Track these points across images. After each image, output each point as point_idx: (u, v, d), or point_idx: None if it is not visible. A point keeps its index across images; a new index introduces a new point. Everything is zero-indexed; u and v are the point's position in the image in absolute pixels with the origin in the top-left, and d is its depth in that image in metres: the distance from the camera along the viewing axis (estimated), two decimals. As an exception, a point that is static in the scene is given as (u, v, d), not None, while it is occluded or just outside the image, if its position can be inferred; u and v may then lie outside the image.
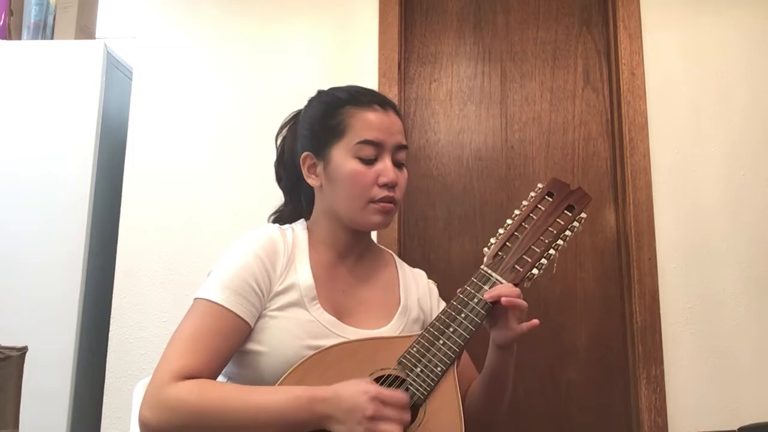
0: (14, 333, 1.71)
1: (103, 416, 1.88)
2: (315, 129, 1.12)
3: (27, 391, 1.08)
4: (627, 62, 2.03)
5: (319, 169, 1.10)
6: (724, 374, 1.85)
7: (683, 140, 1.99)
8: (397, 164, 1.10)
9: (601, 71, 2.13)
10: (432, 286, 1.24)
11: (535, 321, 1.01)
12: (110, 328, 1.94)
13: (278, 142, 1.22)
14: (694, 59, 2.03)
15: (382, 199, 1.07)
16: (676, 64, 2.03)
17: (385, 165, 1.07)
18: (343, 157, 1.07)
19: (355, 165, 1.06)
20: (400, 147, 1.11)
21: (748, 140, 1.98)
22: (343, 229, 1.11)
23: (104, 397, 1.89)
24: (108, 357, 1.93)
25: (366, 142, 1.07)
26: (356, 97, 1.11)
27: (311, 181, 1.12)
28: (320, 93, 1.17)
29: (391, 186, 1.07)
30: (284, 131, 1.22)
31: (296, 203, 1.20)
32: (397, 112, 1.15)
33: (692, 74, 2.03)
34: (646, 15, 2.06)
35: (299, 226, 1.14)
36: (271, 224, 1.13)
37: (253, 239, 1.06)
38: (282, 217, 1.21)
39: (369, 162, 1.07)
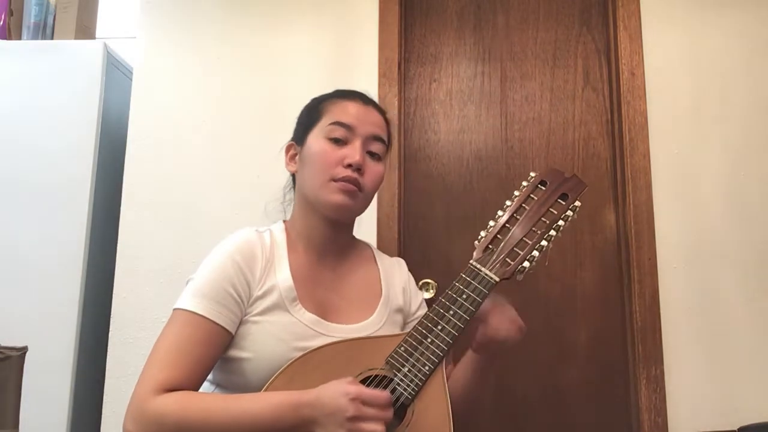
0: (14, 333, 1.71)
1: (103, 416, 1.88)
2: (301, 120, 1.17)
3: (27, 391, 1.08)
4: (627, 62, 2.03)
5: (298, 157, 1.14)
6: (724, 374, 1.85)
7: (683, 140, 1.99)
8: (371, 155, 1.11)
9: (601, 71, 2.13)
10: (410, 274, 1.24)
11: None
12: (110, 328, 1.94)
13: None
14: (694, 59, 2.03)
15: (344, 178, 1.06)
16: (676, 64, 2.03)
17: (354, 147, 1.08)
18: (315, 139, 1.10)
19: (323, 144, 1.09)
20: (376, 138, 1.11)
21: (748, 140, 1.98)
22: (319, 221, 1.10)
23: (104, 397, 1.89)
24: (108, 357, 1.92)
25: (337, 123, 1.09)
26: (341, 92, 1.16)
27: (289, 168, 1.16)
28: None
29: (355, 168, 1.06)
30: None
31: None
32: (380, 111, 1.17)
33: (692, 74, 2.02)
34: (646, 15, 2.06)
35: (277, 228, 1.13)
36: (248, 228, 1.12)
37: (229, 245, 1.05)
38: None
39: (337, 142, 1.09)
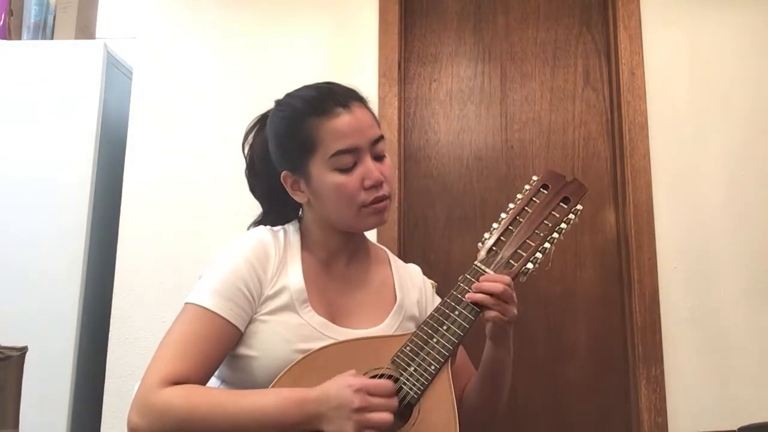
0: (14, 333, 1.71)
1: (103, 416, 1.88)
2: (284, 147, 1.08)
3: (27, 391, 1.08)
4: (627, 62, 2.03)
5: (303, 185, 1.08)
6: (724, 374, 1.85)
7: (683, 140, 1.99)
8: (378, 157, 1.06)
9: (601, 71, 2.13)
10: (427, 282, 1.23)
11: (494, 313, 0.98)
12: (110, 328, 1.94)
13: (245, 151, 1.18)
14: (694, 59, 2.03)
15: (373, 201, 1.04)
16: (676, 64, 2.03)
17: (367, 167, 1.03)
18: (321, 172, 1.03)
19: (335, 177, 1.02)
20: (376, 141, 1.06)
21: (748, 140, 1.98)
22: (335, 233, 1.10)
23: (104, 397, 1.90)
24: (108, 357, 1.93)
25: (340, 152, 1.02)
26: (315, 105, 1.05)
27: (298, 198, 1.09)
28: (278, 105, 1.13)
29: (378, 185, 1.04)
30: (250, 139, 1.17)
31: (276, 214, 1.17)
32: (363, 102, 1.08)
33: (692, 74, 2.03)
34: (646, 15, 2.06)
35: (292, 228, 1.12)
36: (263, 227, 1.11)
37: (244, 243, 1.05)
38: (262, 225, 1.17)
39: (349, 170, 1.03)
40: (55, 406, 1.82)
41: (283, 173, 1.09)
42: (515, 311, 0.99)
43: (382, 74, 2.06)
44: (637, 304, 1.89)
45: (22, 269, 1.91)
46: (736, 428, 1.29)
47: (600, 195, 2.05)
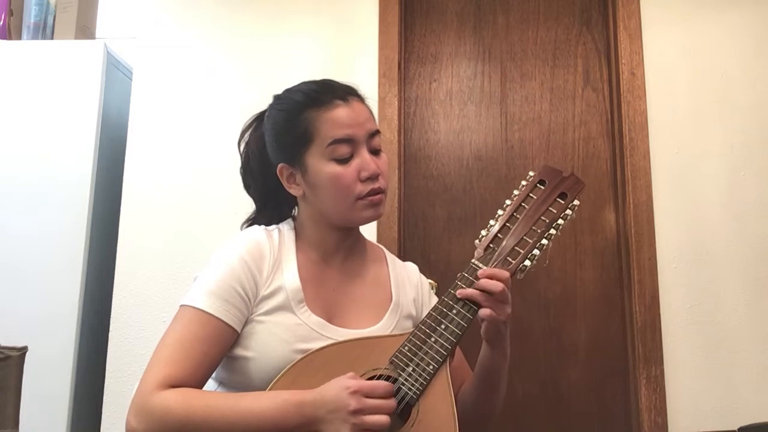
0: (14, 333, 1.71)
1: (103, 416, 1.88)
2: (282, 139, 1.09)
3: (27, 391, 1.08)
4: (627, 62, 2.03)
5: (298, 178, 1.08)
6: (724, 374, 1.85)
7: (683, 140, 1.99)
8: (374, 151, 1.07)
9: (601, 71, 2.13)
10: (423, 280, 1.22)
11: (488, 311, 0.97)
12: (110, 328, 1.94)
13: (241, 149, 1.18)
14: (694, 59, 2.03)
15: (369, 193, 1.04)
16: (676, 64, 2.03)
17: (363, 158, 1.04)
18: (318, 163, 1.04)
19: (332, 168, 1.03)
20: (373, 134, 1.07)
21: (748, 140, 1.98)
22: (331, 230, 1.09)
23: (104, 397, 1.89)
24: (108, 357, 1.92)
25: (337, 141, 1.03)
26: (314, 97, 1.06)
27: (293, 191, 1.09)
28: (277, 99, 1.13)
29: (374, 178, 1.04)
30: (246, 136, 1.18)
31: (270, 212, 1.17)
32: (360, 98, 1.10)
33: (692, 74, 2.03)
34: (646, 15, 2.06)
35: (286, 227, 1.12)
36: (257, 226, 1.10)
37: (238, 243, 1.04)
38: (256, 225, 1.17)
39: (345, 161, 1.03)
40: (55, 406, 1.81)
41: (280, 166, 1.09)
42: (509, 310, 0.99)
43: (382, 74, 2.06)
44: (637, 304, 1.89)
45: (22, 269, 1.91)
46: (736, 428, 1.29)
47: (600, 195, 2.05)
